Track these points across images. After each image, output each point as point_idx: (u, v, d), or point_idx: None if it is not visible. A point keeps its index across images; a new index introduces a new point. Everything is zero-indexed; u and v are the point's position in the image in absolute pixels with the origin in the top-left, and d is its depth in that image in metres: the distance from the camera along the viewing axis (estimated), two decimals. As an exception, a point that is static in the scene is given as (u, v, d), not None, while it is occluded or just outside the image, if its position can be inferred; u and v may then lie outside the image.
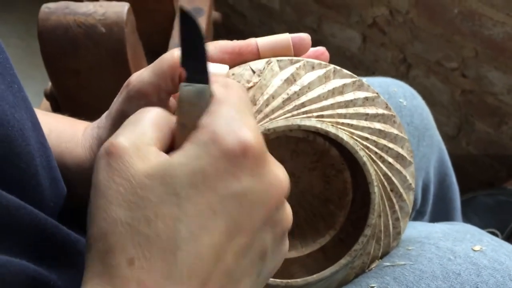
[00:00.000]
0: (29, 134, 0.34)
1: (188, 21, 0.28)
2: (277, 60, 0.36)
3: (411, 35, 1.14)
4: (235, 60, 0.36)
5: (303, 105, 0.36)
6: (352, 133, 0.36)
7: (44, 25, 0.71)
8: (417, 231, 0.47)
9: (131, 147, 0.25)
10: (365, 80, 0.38)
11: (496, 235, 0.97)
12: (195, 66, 0.28)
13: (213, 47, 0.36)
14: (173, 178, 0.24)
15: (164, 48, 0.92)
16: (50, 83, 0.82)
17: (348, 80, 0.37)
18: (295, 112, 0.36)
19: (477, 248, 0.41)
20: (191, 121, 0.27)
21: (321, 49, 0.38)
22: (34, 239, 0.32)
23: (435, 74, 1.15)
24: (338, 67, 0.37)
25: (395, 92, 0.59)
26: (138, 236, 0.23)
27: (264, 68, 0.36)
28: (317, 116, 0.36)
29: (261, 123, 0.35)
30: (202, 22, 0.95)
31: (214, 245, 0.24)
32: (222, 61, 0.35)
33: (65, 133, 0.39)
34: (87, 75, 0.76)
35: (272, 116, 0.35)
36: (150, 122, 0.27)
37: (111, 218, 0.24)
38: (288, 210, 0.29)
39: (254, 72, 0.36)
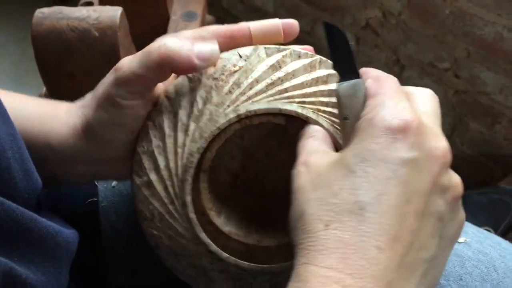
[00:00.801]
0: None
1: (332, 30, 0.34)
2: (265, 47, 0.37)
3: (404, 37, 1.15)
4: (228, 44, 0.37)
5: (285, 90, 0.36)
6: (333, 122, 0.36)
7: (38, 30, 0.71)
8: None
9: (317, 152, 0.33)
10: None
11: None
12: (345, 67, 0.34)
13: (206, 31, 0.36)
14: (347, 161, 0.30)
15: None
16: (44, 88, 0.83)
17: (333, 71, 0.37)
18: (277, 97, 0.36)
19: (461, 240, 0.42)
20: (352, 112, 0.32)
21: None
22: (9, 234, 0.32)
23: (428, 75, 1.15)
24: (324, 58, 0.38)
25: None
26: (328, 206, 0.29)
27: (251, 54, 0.37)
28: (299, 102, 0.36)
29: (243, 104, 0.36)
30: (196, 26, 0.96)
31: (394, 206, 0.28)
32: None
33: (49, 114, 0.40)
34: (81, 79, 0.76)
35: (255, 99, 0.36)
36: (321, 140, 0.34)
37: (304, 199, 0.30)
38: (455, 178, 0.31)
39: (241, 57, 0.37)
